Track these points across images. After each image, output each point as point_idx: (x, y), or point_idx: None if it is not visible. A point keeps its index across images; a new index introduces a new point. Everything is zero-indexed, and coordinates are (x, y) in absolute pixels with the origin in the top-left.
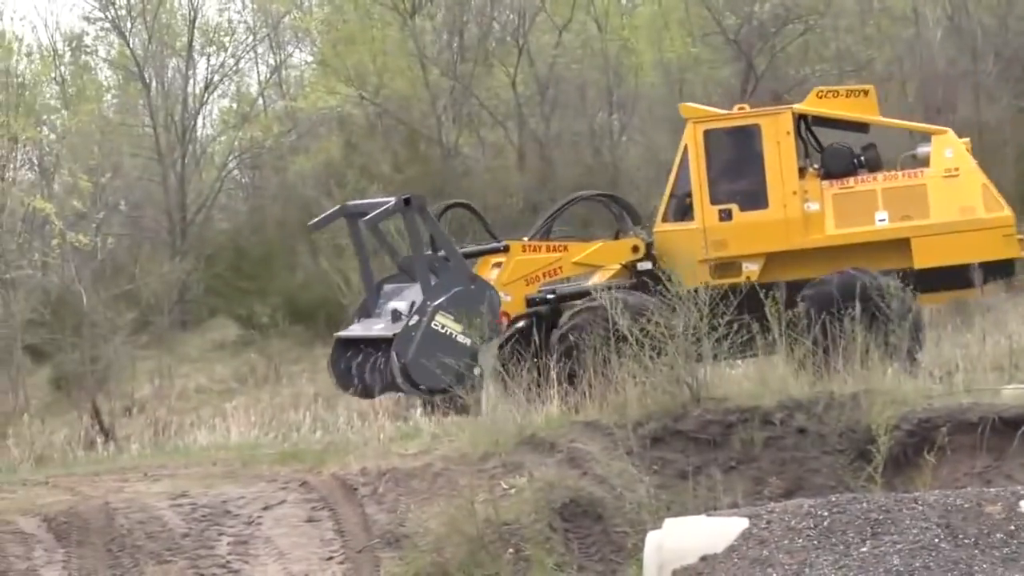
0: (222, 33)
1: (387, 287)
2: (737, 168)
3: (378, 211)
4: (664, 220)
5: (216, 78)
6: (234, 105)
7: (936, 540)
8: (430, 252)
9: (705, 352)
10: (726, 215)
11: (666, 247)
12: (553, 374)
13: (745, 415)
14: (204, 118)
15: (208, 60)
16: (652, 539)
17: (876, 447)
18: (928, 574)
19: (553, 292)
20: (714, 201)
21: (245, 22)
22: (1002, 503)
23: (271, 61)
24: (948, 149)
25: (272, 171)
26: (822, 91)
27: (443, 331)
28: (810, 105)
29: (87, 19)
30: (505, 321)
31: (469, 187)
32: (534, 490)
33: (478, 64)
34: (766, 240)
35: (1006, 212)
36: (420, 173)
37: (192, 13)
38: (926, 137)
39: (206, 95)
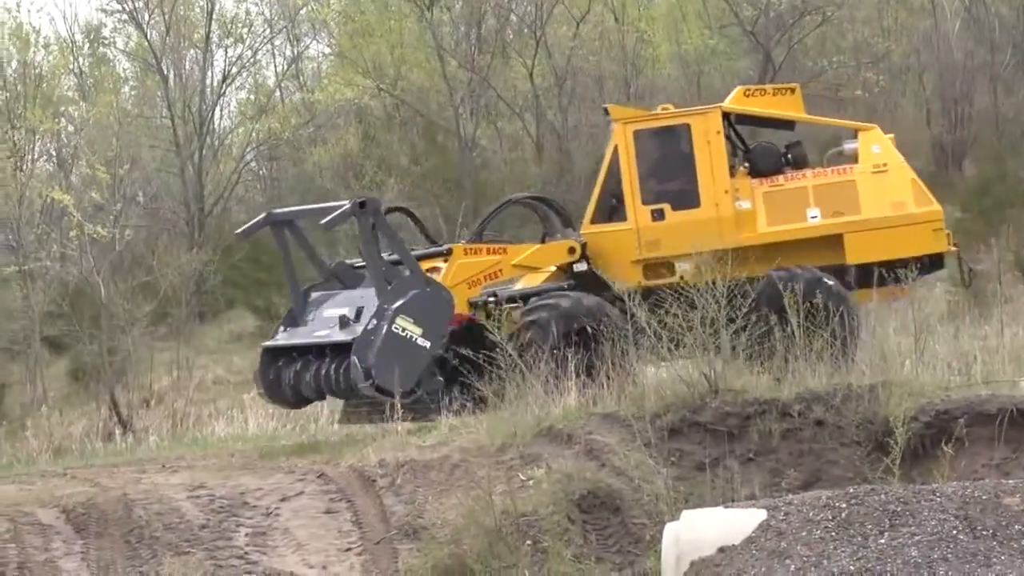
0: (240, 25)
1: (314, 295)
2: (668, 168)
3: (335, 214)
4: (593, 221)
5: (234, 70)
6: (252, 97)
7: (954, 532)
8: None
9: (724, 344)
10: (659, 215)
11: (598, 248)
12: (571, 366)
13: (763, 407)
14: (222, 110)
15: (226, 52)
16: (670, 531)
17: (894, 439)
18: (946, 566)
19: (494, 295)
20: (645, 201)
21: (263, 14)
22: (1020, 495)
23: (289, 53)
24: (875, 145)
25: (290, 163)
26: (749, 90)
27: (403, 334)
28: (737, 103)
29: (104, 11)
30: (456, 325)
31: (487, 179)
32: (552, 482)
33: (496, 56)
34: (699, 239)
35: (935, 207)
36: (438, 165)
37: (210, 5)
38: (850, 134)
39: (224, 87)
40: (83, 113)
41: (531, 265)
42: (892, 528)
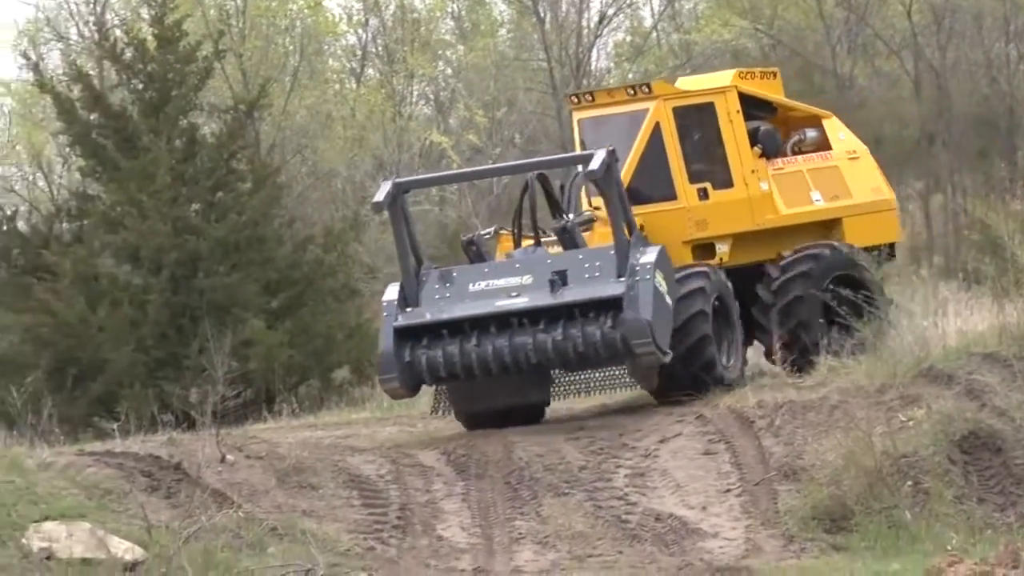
0: None
1: (430, 272)
2: (703, 146)
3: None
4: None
5: (610, 11)
6: (628, 38)
7: None
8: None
9: None
10: (703, 194)
11: (648, 229)
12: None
13: None
14: (598, 51)
15: None
16: None
17: None
18: None
19: None
20: (692, 180)
21: None
22: None
23: None
24: (840, 132)
25: None
26: (743, 72)
27: (661, 290)
28: (719, 86)
29: None
30: None
31: (864, 118)
32: (932, 422)
33: None
34: (736, 220)
35: (893, 195)
36: (815, 105)
37: None
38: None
39: (600, 28)
40: (460, 56)
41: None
42: None
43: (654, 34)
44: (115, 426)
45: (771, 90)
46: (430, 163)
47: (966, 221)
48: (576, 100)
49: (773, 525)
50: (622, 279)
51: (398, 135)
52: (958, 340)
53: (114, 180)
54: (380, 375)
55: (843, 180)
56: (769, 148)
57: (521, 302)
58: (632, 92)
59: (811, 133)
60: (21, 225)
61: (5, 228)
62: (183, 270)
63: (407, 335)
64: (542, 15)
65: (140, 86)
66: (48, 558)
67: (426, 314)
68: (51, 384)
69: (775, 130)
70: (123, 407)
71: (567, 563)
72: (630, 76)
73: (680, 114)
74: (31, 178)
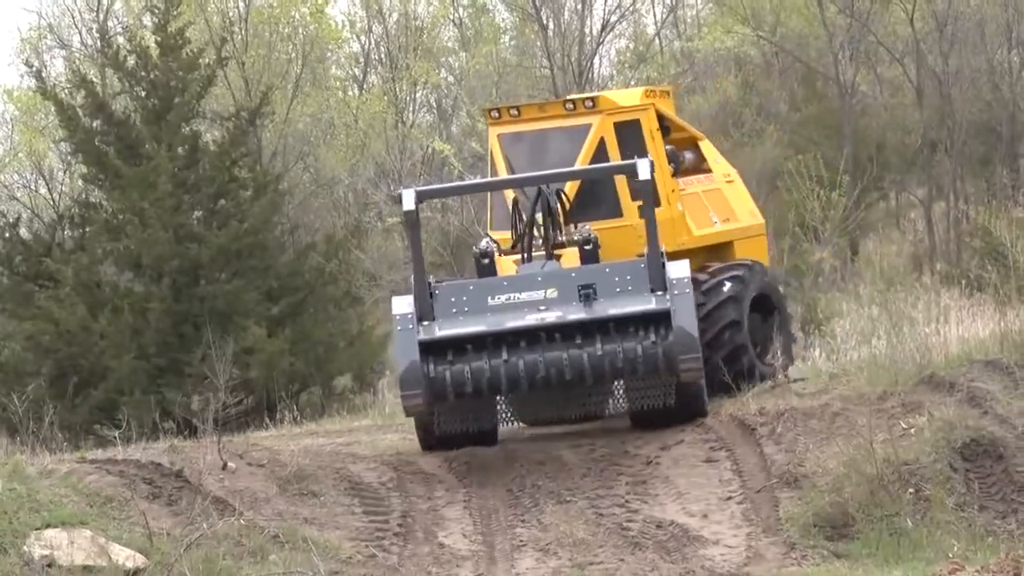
0: None
1: (443, 285)
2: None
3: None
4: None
5: (613, 18)
6: (630, 45)
7: None
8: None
9: None
10: (640, 211)
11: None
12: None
13: None
14: (600, 59)
15: (605, 1)
16: None
17: None
18: None
19: None
20: (633, 197)
21: None
22: None
23: (668, 1)
24: (716, 156)
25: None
26: (650, 90)
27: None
28: (642, 102)
29: None
30: None
31: (866, 125)
32: (934, 430)
33: (875, 0)
34: (666, 238)
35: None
36: (817, 112)
37: None
38: None
39: (603, 35)
40: (463, 63)
41: None
42: None
43: (656, 41)
44: (116, 433)
45: (667, 108)
46: (432, 171)
47: (968, 228)
48: (497, 115)
49: (774, 532)
50: (659, 293)
51: (400, 142)
52: (960, 347)
53: (116, 187)
54: (403, 391)
55: (728, 203)
56: (676, 168)
57: (555, 316)
58: (572, 107)
59: (689, 155)
60: (23, 232)
61: (7, 235)
62: (185, 277)
63: (429, 350)
64: (545, 22)
65: (142, 93)
66: (49, 565)
67: (455, 328)
68: (53, 391)
69: (675, 150)
70: (124, 414)
71: (568, 570)
72: (632, 83)
73: (618, 129)
74: (33, 185)
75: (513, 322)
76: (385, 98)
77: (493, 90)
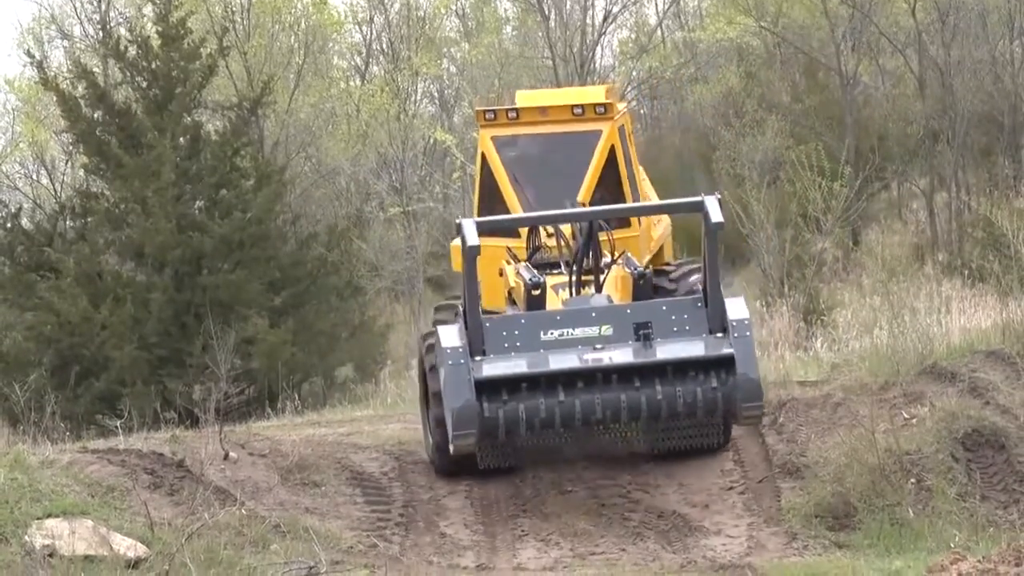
0: None
1: (496, 318)
2: (628, 169)
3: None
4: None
5: (615, 8)
6: (632, 35)
7: None
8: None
9: None
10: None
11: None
12: None
13: None
14: (602, 49)
15: None
16: None
17: None
18: None
19: None
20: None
21: None
22: None
23: None
24: None
25: (671, 101)
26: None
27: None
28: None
29: None
30: None
31: (868, 116)
32: (935, 420)
33: None
34: (642, 250)
35: None
36: (819, 102)
37: None
38: None
39: (605, 26)
40: (465, 54)
41: None
42: None
43: (659, 32)
44: (118, 423)
45: None
46: (434, 161)
47: (970, 218)
48: (492, 117)
49: (776, 523)
50: (718, 335)
51: (402, 133)
52: (962, 337)
53: (118, 177)
54: (455, 430)
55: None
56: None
57: (616, 357)
58: (580, 111)
59: None
60: (25, 222)
61: (9, 225)
62: (186, 267)
63: (482, 387)
64: (547, 12)
65: (144, 83)
66: (51, 555)
67: (510, 366)
68: (54, 381)
69: None
70: (126, 404)
71: (570, 560)
72: (634, 74)
73: (620, 136)
74: (35, 175)
75: (571, 363)
76: (387, 88)
77: (495, 80)
